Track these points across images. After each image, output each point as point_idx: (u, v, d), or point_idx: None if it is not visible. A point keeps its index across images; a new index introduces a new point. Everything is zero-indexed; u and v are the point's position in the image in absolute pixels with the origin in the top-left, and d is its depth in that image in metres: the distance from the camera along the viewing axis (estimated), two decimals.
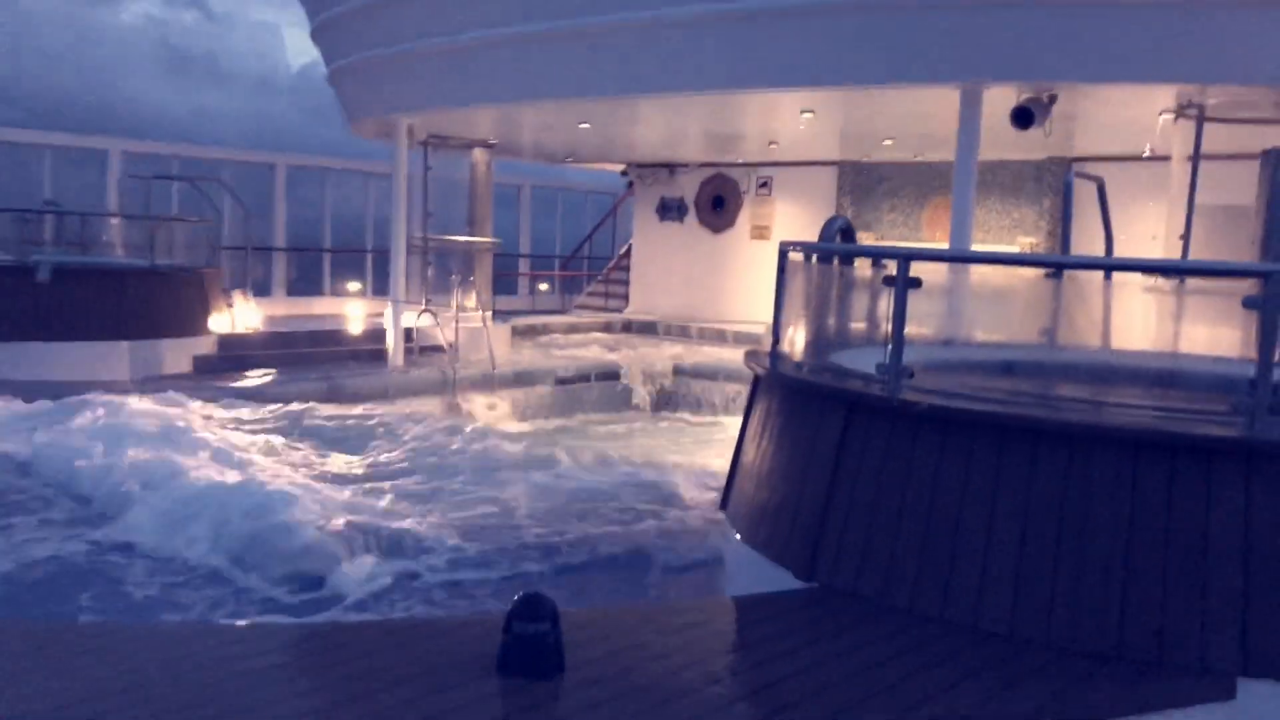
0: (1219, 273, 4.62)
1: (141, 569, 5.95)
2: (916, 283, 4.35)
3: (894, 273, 4.43)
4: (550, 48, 10.58)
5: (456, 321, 13.74)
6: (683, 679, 3.38)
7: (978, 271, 6.80)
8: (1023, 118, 8.58)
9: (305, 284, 19.70)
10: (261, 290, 17.50)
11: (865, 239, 16.48)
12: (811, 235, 15.31)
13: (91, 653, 3.46)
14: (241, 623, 4.92)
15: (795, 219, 17.23)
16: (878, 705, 3.27)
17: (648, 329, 17.73)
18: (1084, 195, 13.64)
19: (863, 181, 16.58)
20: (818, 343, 5.16)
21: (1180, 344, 5.85)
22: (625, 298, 19.92)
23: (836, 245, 5.59)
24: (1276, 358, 3.74)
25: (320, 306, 18.56)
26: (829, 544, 4.30)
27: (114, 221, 14.52)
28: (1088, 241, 14.07)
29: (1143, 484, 3.72)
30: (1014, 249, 14.68)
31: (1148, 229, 12.23)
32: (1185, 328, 5.71)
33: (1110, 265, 5.88)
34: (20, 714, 2.97)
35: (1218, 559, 3.62)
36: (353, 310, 16.62)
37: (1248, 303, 3.77)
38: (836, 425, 4.44)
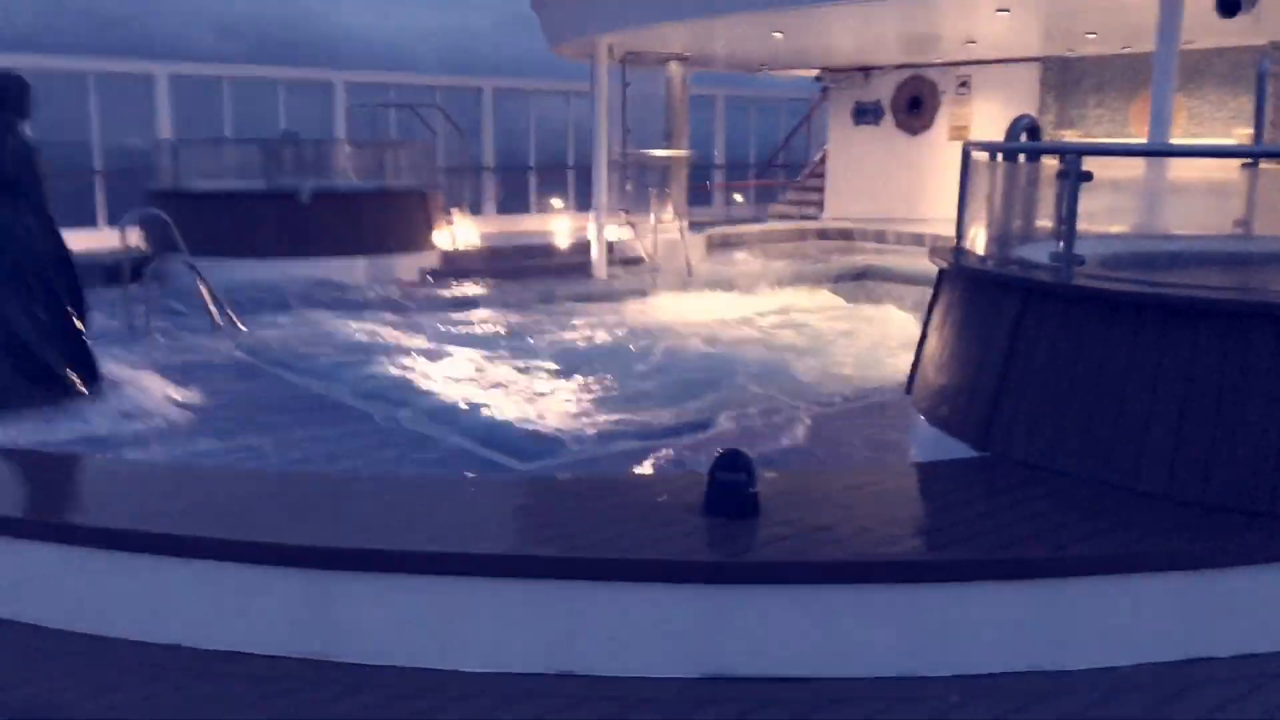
0: None
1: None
2: (1088, 176, 4.64)
3: (1067, 168, 4.73)
4: None
5: (655, 233, 14.43)
6: (861, 521, 3.96)
7: (1161, 164, 6.91)
8: (1229, 4, 8.38)
9: (514, 201, 20.86)
10: (475, 209, 18.71)
11: (1070, 136, 16.10)
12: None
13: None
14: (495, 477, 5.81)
15: (995, 118, 16.91)
16: (1037, 542, 3.76)
17: (844, 235, 17.91)
18: None
19: (1067, 77, 16.12)
20: (999, 238, 5.50)
21: None
22: (821, 204, 20.09)
23: (1016, 144, 5.87)
24: None
25: (529, 223, 19.66)
26: (1003, 417, 4.74)
27: (345, 148, 15.87)
28: None
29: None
30: (1231, 141, 14.07)
31: None
32: None
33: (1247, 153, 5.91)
34: None
35: None
36: (558, 225, 17.60)
37: None
38: (1012, 310, 4.83)
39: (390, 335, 10.36)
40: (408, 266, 13.90)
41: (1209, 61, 14.16)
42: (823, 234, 18.29)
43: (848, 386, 7.89)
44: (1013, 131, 6.05)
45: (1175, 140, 13.92)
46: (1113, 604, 3.75)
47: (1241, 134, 14.18)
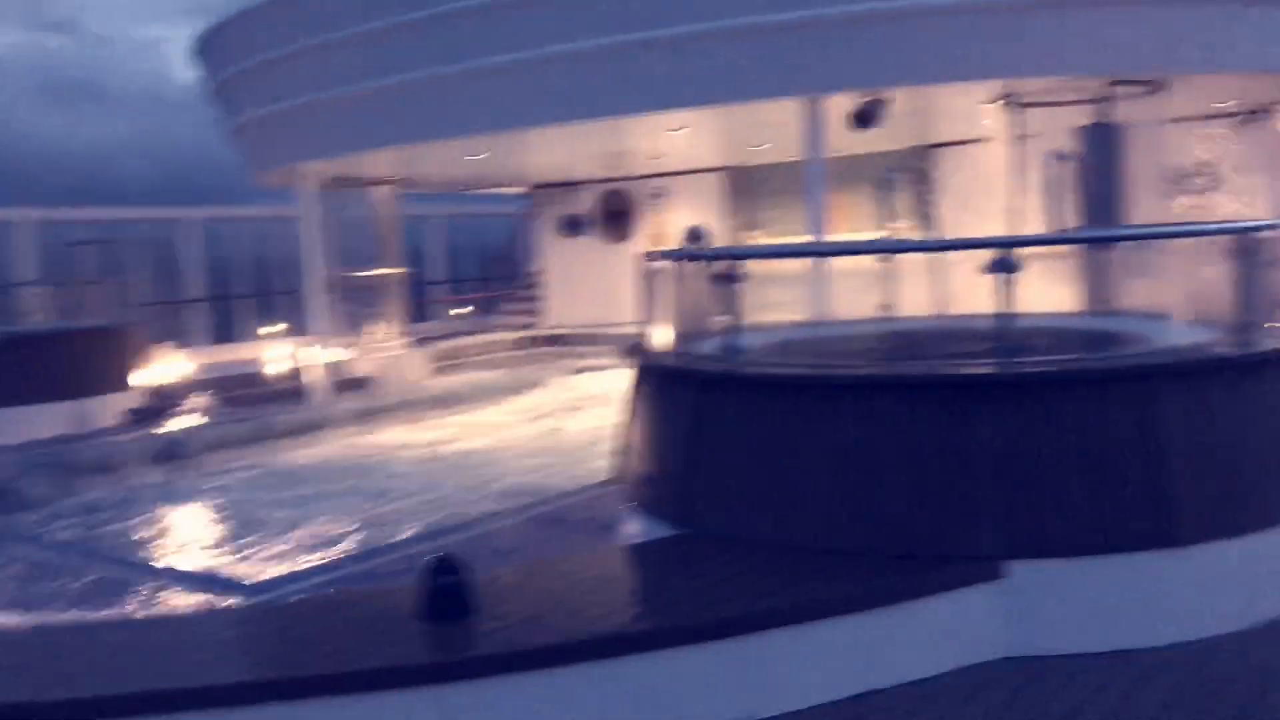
0: (973, 246, 5.65)
1: None
2: (743, 277, 5.31)
3: (727, 271, 5.39)
4: (443, 89, 11.45)
5: (375, 353, 14.51)
6: (573, 605, 4.30)
7: (825, 259, 7.86)
8: (862, 119, 9.69)
9: (226, 331, 20.25)
10: (186, 341, 18.05)
11: (755, 237, 17.60)
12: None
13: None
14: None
15: (689, 224, 18.25)
16: (729, 605, 4.24)
17: (559, 340, 18.64)
18: (949, 179, 14.90)
19: (747, 183, 17.68)
20: (678, 335, 6.12)
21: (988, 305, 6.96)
22: (540, 313, 20.80)
23: (685, 250, 6.57)
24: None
25: (243, 352, 19.11)
26: (694, 495, 5.25)
27: (34, 289, 15.02)
28: (952, 221, 15.34)
29: (920, 417, 4.73)
30: (885, 234, 15.86)
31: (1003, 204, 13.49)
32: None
33: (882, 249, 6.97)
34: None
35: (982, 470, 4.64)
36: (275, 352, 17.25)
37: (986, 268, 4.81)
38: (692, 399, 5.39)
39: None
40: (109, 407, 13.23)
41: (864, 165, 15.97)
42: (542, 340, 18.95)
43: (566, 481, 8.33)
44: (687, 239, 6.74)
45: (837, 237, 15.57)
46: (795, 651, 4.25)
47: (899, 227, 16.02)
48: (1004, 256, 4.77)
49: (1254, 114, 13.77)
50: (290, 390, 14.57)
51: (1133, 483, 4.61)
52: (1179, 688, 4.16)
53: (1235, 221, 5.99)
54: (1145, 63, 9.36)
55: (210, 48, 14.08)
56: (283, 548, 7.77)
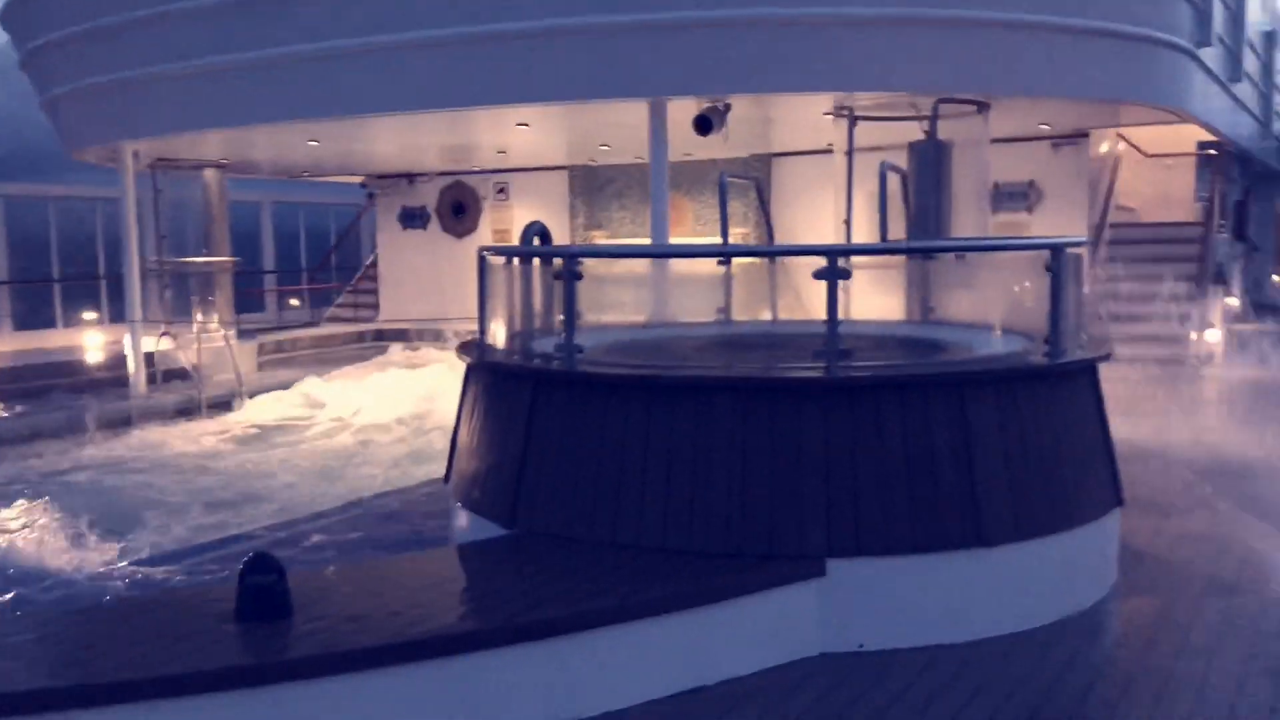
0: (803, 252, 5.79)
1: None
2: (580, 276, 5.28)
3: (564, 269, 5.35)
4: (274, 72, 11.00)
5: (199, 343, 13.87)
6: (394, 606, 4.17)
7: (663, 261, 7.92)
8: (703, 125, 9.82)
9: (35, 317, 19.01)
10: None
11: (599, 237, 17.64)
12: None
13: None
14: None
15: (530, 221, 18.15)
16: (556, 604, 4.19)
17: (399, 336, 18.23)
18: (786, 188, 15.28)
19: (592, 183, 17.72)
20: (514, 333, 6.05)
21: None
22: (376, 306, 20.32)
23: (523, 248, 6.51)
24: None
25: (55, 339, 18.00)
26: (526, 495, 5.19)
27: None
28: (788, 229, 15.75)
29: (751, 419, 4.80)
30: (730, 239, 16.14)
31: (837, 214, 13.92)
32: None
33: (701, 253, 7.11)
34: None
35: (808, 471, 4.74)
36: (90, 340, 16.31)
37: (816, 275, 4.93)
38: (527, 398, 5.33)
39: None
40: None
41: (708, 170, 16.23)
42: (379, 335, 18.51)
43: (394, 479, 8.13)
44: (525, 236, 6.67)
45: (684, 239, 15.77)
46: (619, 650, 4.25)
47: (736, 232, 16.33)
48: (832, 264, 4.89)
49: (1071, 138, 14.64)
50: (101, 381, 13.79)
51: (947, 485, 4.79)
52: (984, 682, 4.35)
53: (1048, 237, 6.32)
54: (971, 84, 9.80)
55: (15, 17, 13.18)
56: (90, 547, 7.31)
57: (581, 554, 4.78)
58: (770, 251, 9.97)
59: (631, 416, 4.98)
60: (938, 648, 4.69)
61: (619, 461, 4.96)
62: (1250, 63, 17.72)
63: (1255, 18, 18.78)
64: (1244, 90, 17.46)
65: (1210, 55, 13.43)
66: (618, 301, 7.18)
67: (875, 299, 9.01)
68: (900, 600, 4.76)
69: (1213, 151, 15.95)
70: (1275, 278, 24.96)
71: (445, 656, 3.93)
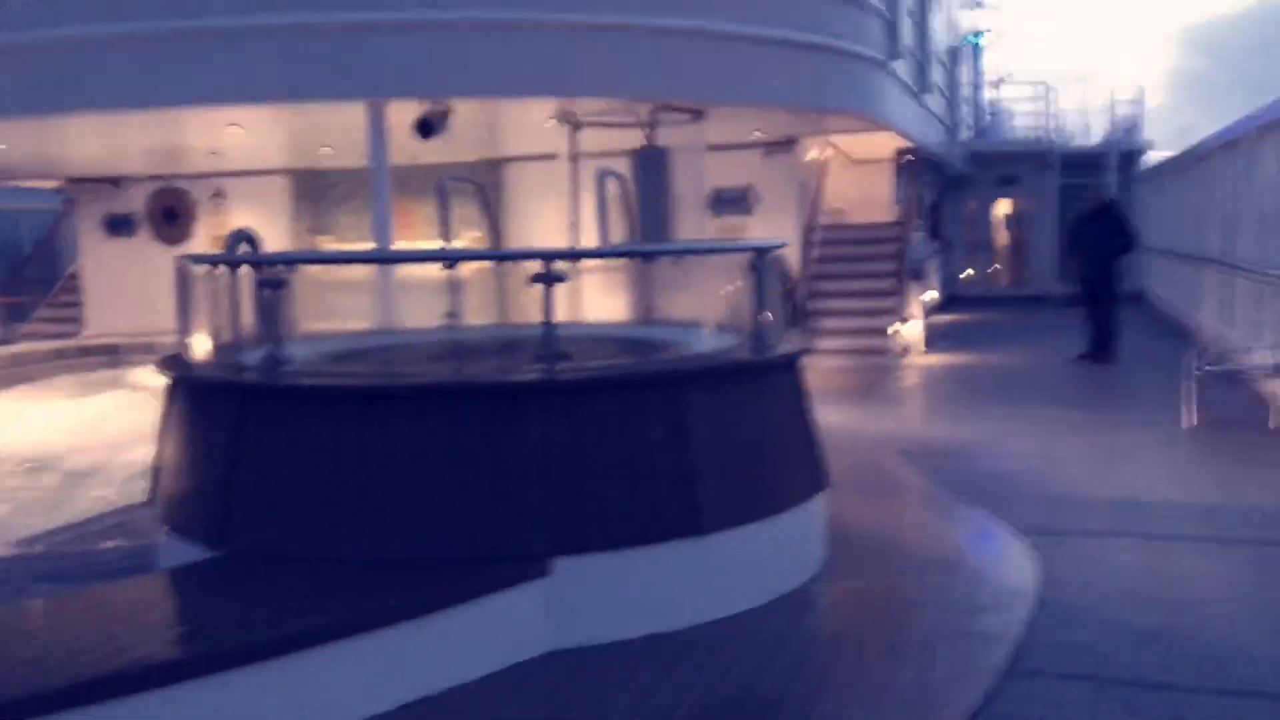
0: (520, 257, 5.85)
1: None
2: (284, 283, 5.08)
3: (274, 277, 5.13)
4: None
5: None
6: (82, 641, 3.86)
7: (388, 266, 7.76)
8: (424, 128, 9.70)
9: None
10: None
11: (325, 242, 17.08)
12: (270, 242, 15.59)
13: None
14: None
15: (254, 226, 17.26)
16: (268, 619, 4.03)
17: (108, 351, 16.93)
18: (518, 193, 15.33)
19: (316, 187, 17.11)
20: (219, 345, 5.75)
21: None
22: (80, 320, 18.80)
23: (219, 255, 6.21)
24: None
25: None
26: (233, 514, 4.94)
27: None
28: (522, 233, 15.83)
29: (469, 423, 4.78)
30: (462, 244, 16.03)
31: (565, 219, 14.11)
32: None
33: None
34: None
35: (529, 472, 4.77)
36: None
37: (531, 279, 4.97)
38: (232, 412, 5.08)
39: None
40: None
41: (436, 174, 15.98)
42: (85, 350, 17.12)
43: (90, 505, 7.55)
44: (230, 243, 6.35)
45: (413, 244, 15.51)
46: (338, 667, 4.11)
47: (470, 236, 16.24)
48: (547, 268, 4.95)
49: (782, 144, 15.49)
50: None
51: (663, 478, 4.95)
52: (700, 664, 4.53)
53: (750, 240, 6.66)
54: (685, 91, 10.19)
55: None
56: None
57: (295, 572, 4.60)
58: (484, 255, 10.03)
59: (344, 427, 4.84)
60: (660, 635, 4.84)
61: (333, 474, 4.81)
62: (938, 75, 19.41)
63: (941, 34, 20.59)
64: (934, 101, 19.10)
65: (902, 68, 14.60)
66: (340, 308, 6.98)
67: (605, 301, 9.22)
68: (624, 592, 4.88)
69: (910, 157, 17.32)
70: (968, 272, 27.44)
71: (150, 689, 3.68)
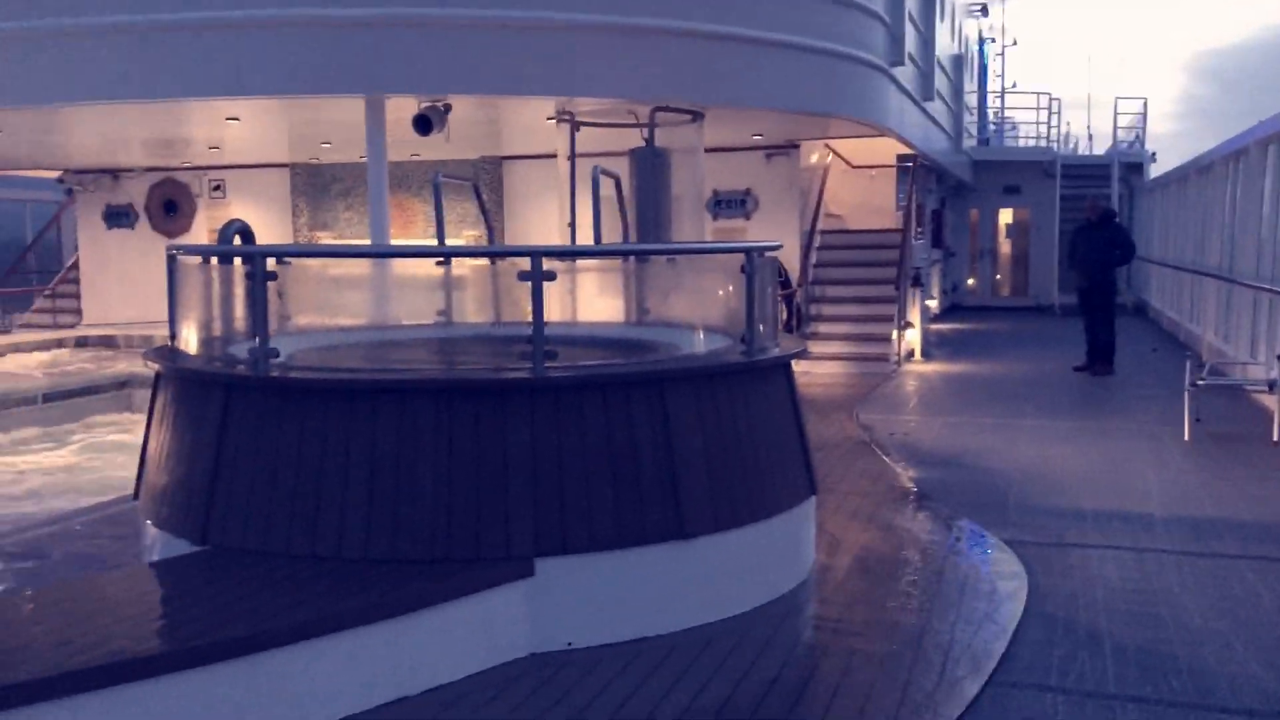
0: (503, 255, 5.81)
1: None
2: (273, 276, 5.05)
3: (254, 269, 5.09)
4: None
5: None
6: (64, 634, 3.84)
7: (383, 262, 7.72)
8: (423, 124, 9.66)
9: None
10: None
11: (324, 237, 17.05)
12: (269, 237, 15.57)
13: None
14: None
15: (252, 221, 17.21)
16: (250, 615, 4.01)
17: (106, 343, 16.93)
18: (518, 191, 15.31)
19: (317, 182, 17.08)
20: (207, 338, 5.72)
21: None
22: (79, 311, 18.80)
23: (210, 247, 6.17)
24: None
25: None
26: (218, 510, 4.90)
27: None
28: (521, 231, 15.80)
29: (456, 421, 4.74)
30: (460, 241, 16.01)
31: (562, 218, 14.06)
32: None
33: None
34: None
35: (514, 472, 4.73)
36: None
37: (520, 276, 4.94)
38: (219, 405, 5.05)
39: None
40: None
41: (436, 171, 15.96)
42: (83, 342, 17.12)
43: (77, 497, 7.50)
44: (224, 235, 6.32)
45: (413, 241, 15.49)
46: (318, 665, 4.08)
47: (468, 234, 16.21)
48: (536, 266, 4.92)
49: (783, 148, 15.46)
50: None
51: (649, 480, 4.91)
52: (684, 671, 4.49)
53: (744, 242, 6.62)
54: (685, 93, 10.15)
55: None
56: None
57: (278, 569, 4.57)
58: (476, 252, 9.97)
59: (330, 422, 4.81)
60: (643, 640, 4.80)
61: (318, 469, 4.78)
62: (942, 83, 19.36)
63: (945, 42, 20.55)
64: (937, 109, 19.05)
65: (905, 75, 14.56)
66: (334, 303, 6.95)
67: (599, 301, 9.17)
68: (607, 596, 4.84)
69: (911, 164, 17.28)
70: (970, 281, 27.41)
71: (130, 682, 3.65)
